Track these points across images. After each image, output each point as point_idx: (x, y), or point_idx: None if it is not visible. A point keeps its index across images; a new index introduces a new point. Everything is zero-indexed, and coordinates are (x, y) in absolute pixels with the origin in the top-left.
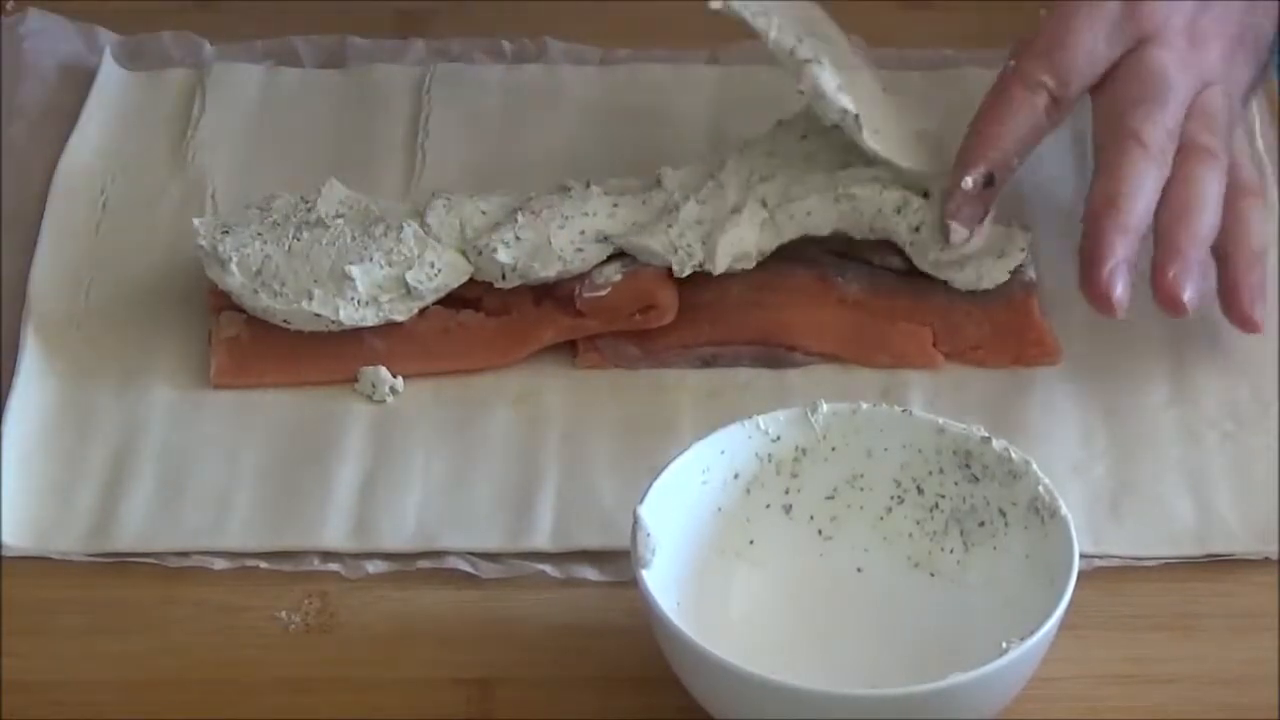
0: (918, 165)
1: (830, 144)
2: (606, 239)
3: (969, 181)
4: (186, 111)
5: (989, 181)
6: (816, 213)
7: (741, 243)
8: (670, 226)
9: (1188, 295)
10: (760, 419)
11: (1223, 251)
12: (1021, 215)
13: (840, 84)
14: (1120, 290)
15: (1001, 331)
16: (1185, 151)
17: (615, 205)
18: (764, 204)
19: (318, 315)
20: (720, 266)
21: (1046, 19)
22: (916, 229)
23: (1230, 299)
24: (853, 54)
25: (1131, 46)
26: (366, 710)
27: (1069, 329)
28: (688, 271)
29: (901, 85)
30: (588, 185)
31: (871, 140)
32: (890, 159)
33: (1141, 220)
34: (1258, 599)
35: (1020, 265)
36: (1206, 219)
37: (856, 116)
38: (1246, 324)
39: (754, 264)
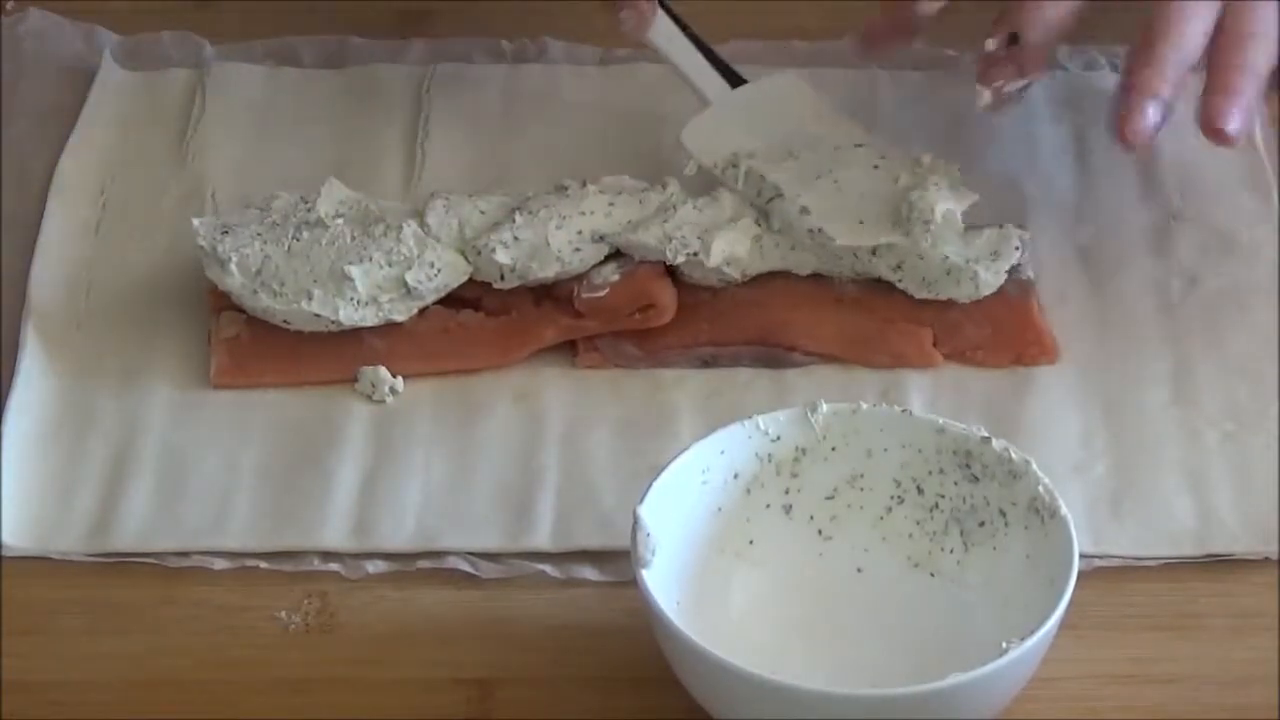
0: (887, 238)
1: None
2: (603, 238)
3: (990, 43)
4: (186, 111)
5: (1013, 40)
6: (799, 250)
7: (734, 247)
8: (666, 222)
9: (1231, 126)
10: (760, 419)
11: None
12: (1021, 215)
13: (804, 206)
14: (1147, 122)
15: (1001, 331)
16: None
17: (611, 204)
18: (757, 223)
19: (317, 315)
20: (714, 259)
21: None
22: (898, 266)
23: (1201, 106)
24: (832, 120)
25: None
26: (366, 710)
27: (1068, 329)
28: (681, 259)
29: (902, 85)
30: (584, 184)
31: (851, 238)
32: (862, 243)
33: (1183, 56)
34: (1258, 599)
35: (1019, 265)
36: (1260, 47)
37: (820, 229)
38: (1213, 135)
39: (740, 275)
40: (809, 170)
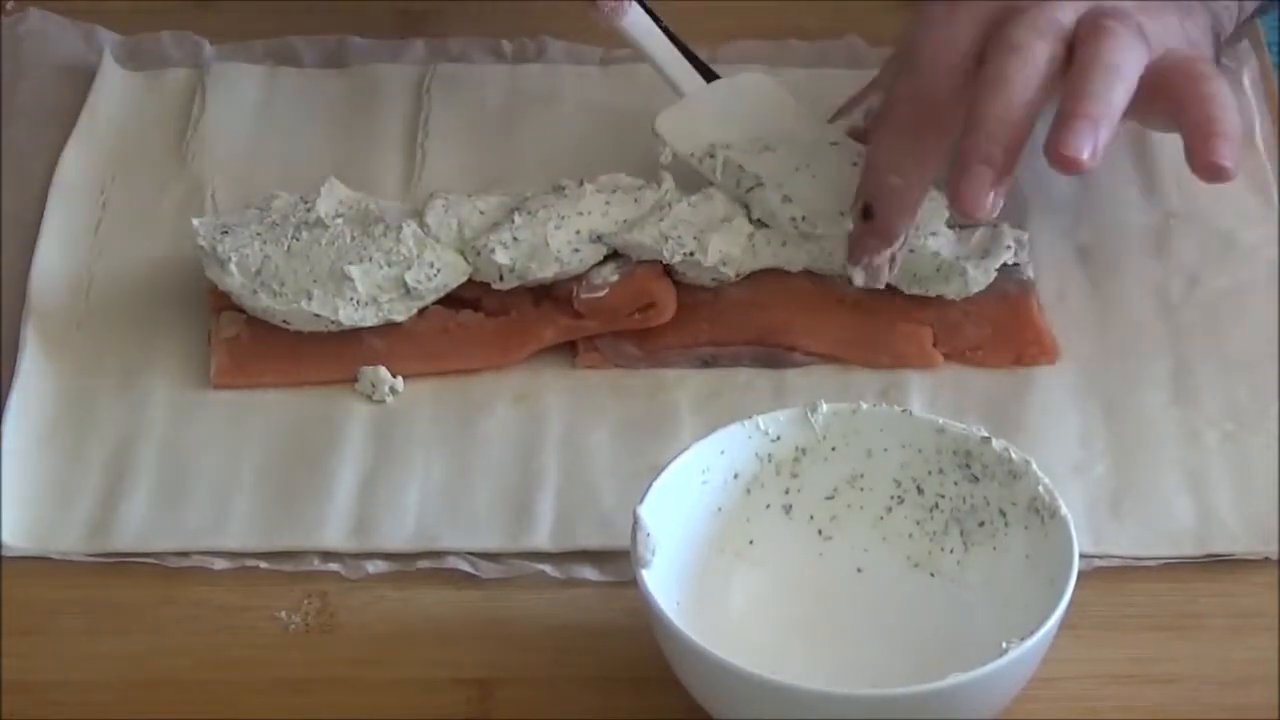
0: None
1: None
2: (600, 238)
3: (848, 223)
4: (186, 111)
5: (866, 214)
6: (790, 247)
7: (730, 246)
8: (662, 221)
9: (1075, 150)
10: (760, 419)
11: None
12: (1020, 215)
13: (786, 195)
14: (970, 188)
15: (1001, 331)
16: (1080, 37)
17: (608, 203)
18: (751, 220)
19: (317, 315)
20: (711, 259)
21: (903, 31)
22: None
23: (1052, 130)
24: (805, 117)
25: (991, 24)
26: (366, 710)
27: (1068, 329)
28: (678, 259)
29: None
30: (581, 184)
31: (833, 228)
32: (844, 232)
33: (1014, 116)
34: (1258, 599)
35: (1019, 265)
36: (1097, 78)
37: (803, 218)
38: (1056, 159)
39: (735, 274)
40: (787, 163)
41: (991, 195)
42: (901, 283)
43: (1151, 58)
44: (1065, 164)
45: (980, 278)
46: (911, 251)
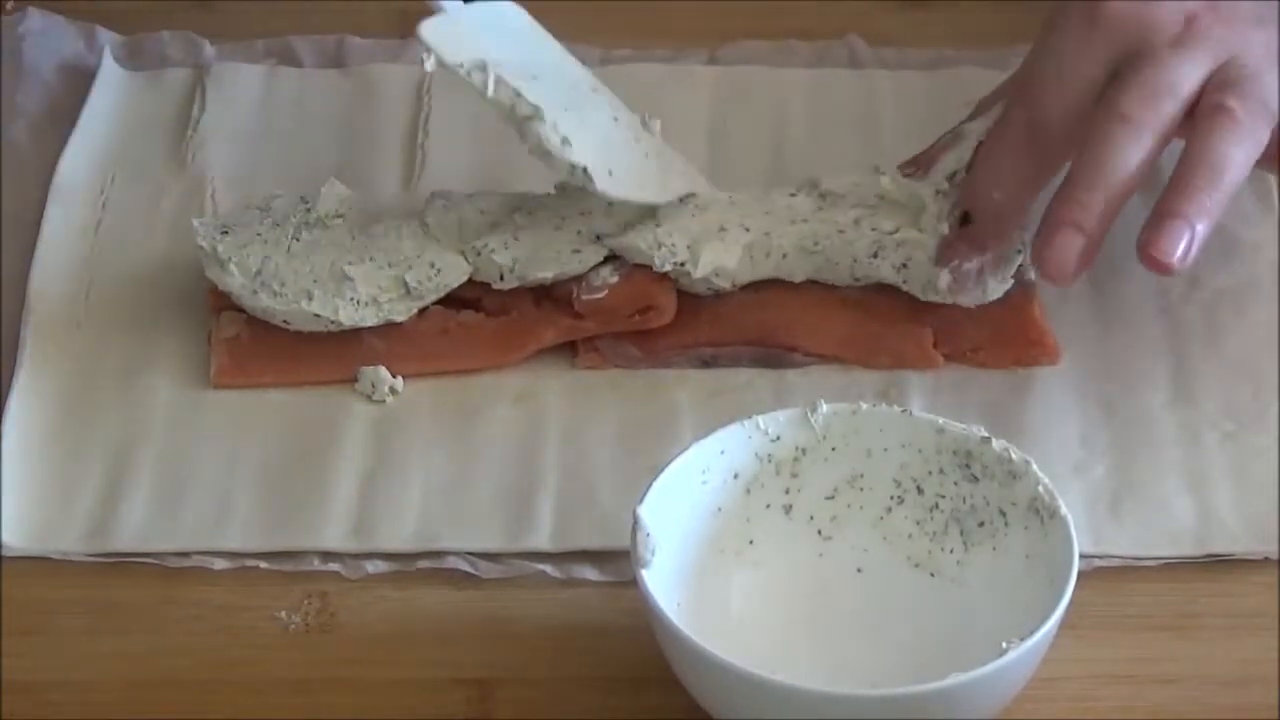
0: (660, 196)
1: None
2: (599, 239)
3: (943, 227)
4: (186, 111)
5: (964, 220)
6: (791, 257)
7: (723, 258)
8: (659, 225)
9: (1165, 254)
10: (760, 419)
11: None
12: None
13: (565, 136)
14: (1057, 253)
15: (1002, 332)
16: (1198, 115)
17: (610, 204)
18: (746, 230)
19: (317, 315)
20: (700, 270)
21: (1031, 50)
22: (904, 265)
23: (1147, 226)
24: (572, 64)
25: (1120, 61)
26: (366, 710)
27: (1068, 329)
28: (668, 268)
29: (902, 85)
30: (583, 185)
31: (607, 187)
32: (629, 199)
33: (1112, 189)
34: (1258, 599)
35: (1020, 267)
36: (1202, 175)
37: (585, 169)
38: (1146, 260)
39: (730, 285)
40: (556, 98)
41: (1077, 263)
42: (915, 289)
43: (1273, 125)
44: (1154, 266)
45: (997, 288)
46: (929, 259)
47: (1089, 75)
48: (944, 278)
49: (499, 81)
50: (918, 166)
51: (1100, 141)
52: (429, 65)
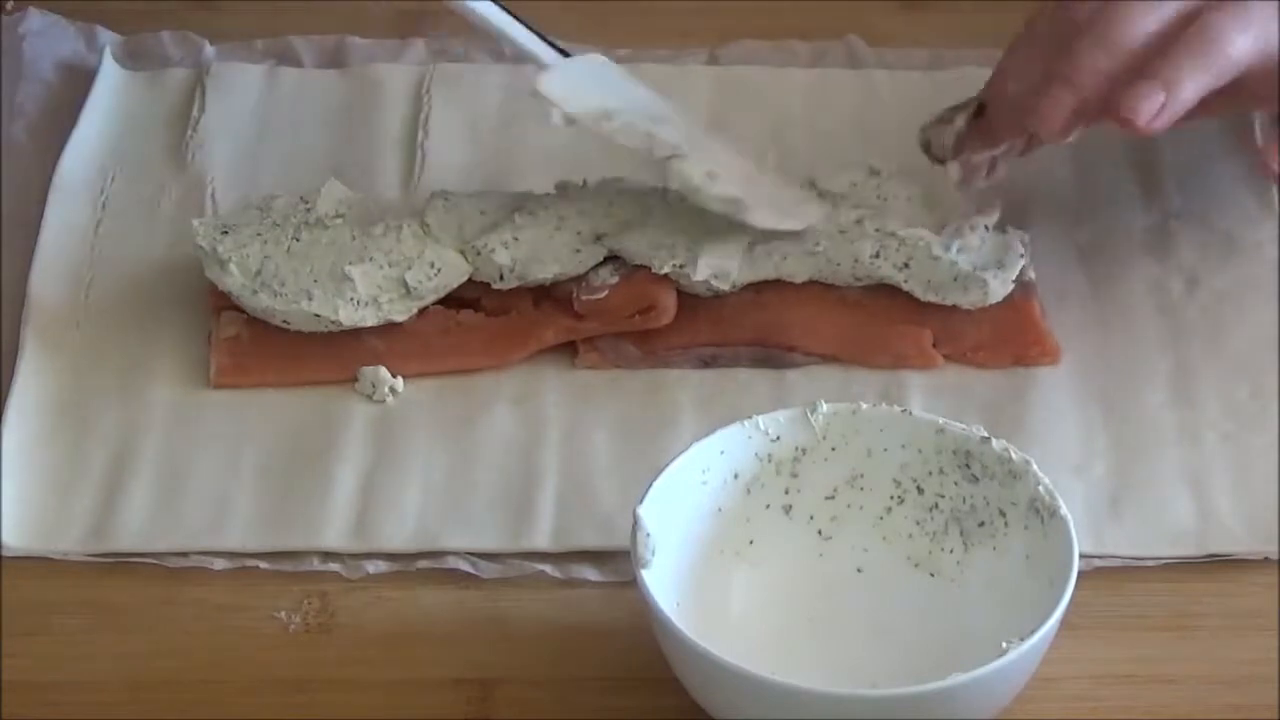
0: (803, 222)
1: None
2: (599, 239)
3: (959, 118)
4: (186, 111)
5: (979, 112)
6: (792, 259)
7: (723, 261)
8: (658, 228)
9: (1133, 110)
10: (760, 419)
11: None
12: (1021, 216)
13: (709, 171)
14: (1047, 104)
15: (1001, 332)
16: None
17: (610, 204)
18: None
19: (317, 315)
20: (699, 274)
21: None
22: (905, 264)
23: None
24: (674, 107)
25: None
26: (366, 710)
27: (1068, 329)
28: (667, 270)
29: (902, 85)
30: (583, 184)
31: (758, 218)
32: (779, 227)
33: (1113, 51)
34: (1258, 599)
35: (1021, 267)
36: (1195, 45)
37: (738, 200)
38: (1116, 118)
39: (730, 287)
40: (682, 137)
41: (1068, 117)
42: (916, 290)
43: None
44: (1122, 124)
45: (999, 289)
46: (935, 260)
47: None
48: (954, 169)
49: (630, 127)
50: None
51: (1112, 8)
52: (556, 119)
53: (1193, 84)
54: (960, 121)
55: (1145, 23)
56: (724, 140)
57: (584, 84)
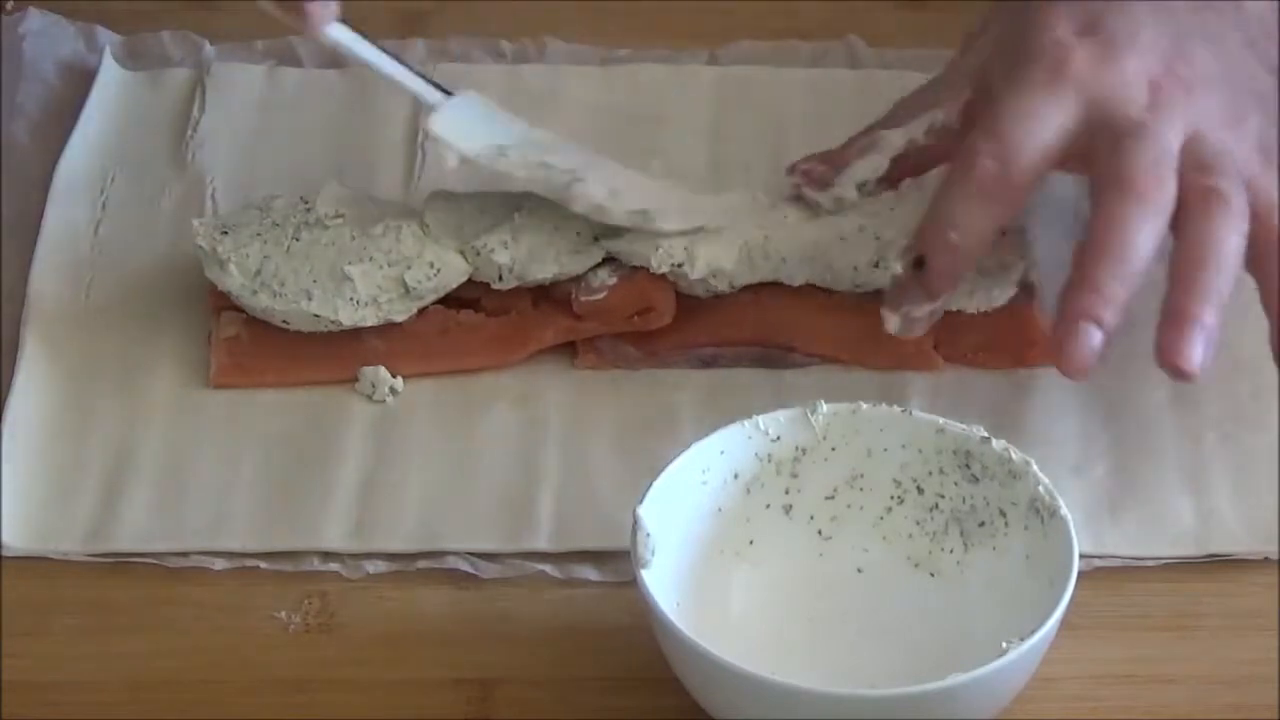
0: (712, 220)
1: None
2: (598, 240)
3: (897, 267)
4: (186, 111)
5: (918, 264)
6: (791, 263)
7: (720, 259)
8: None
9: (1189, 361)
10: (760, 419)
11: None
12: (1019, 216)
13: (611, 189)
14: (1085, 348)
15: (1002, 334)
16: (1189, 201)
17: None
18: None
19: (317, 315)
20: (698, 271)
21: (999, 92)
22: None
23: (1164, 330)
24: (557, 134)
25: (1093, 122)
26: (366, 710)
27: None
28: (665, 269)
29: (902, 85)
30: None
31: (669, 223)
32: (690, 227)
33: (1129, 271)
34: (1258, 599)
35: (1023, 271)
36: (1208, 269)
37: (646, 212)
38: (1169, 368)
39: (728, 286)
40: (575, 162)
41: (1094, 360)
42: None
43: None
44: (1176, 374)
45: (1002, 294)
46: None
47: (1063, 127)
48: (893, 321)
49: (525, 161)
50: (829, 164)
51: (1118, 224)
52: (452, 161)
53: (1221, 307)
54: (898, 268)
55: (1151, 232)
56: (612, 157)
57: (472, 122)
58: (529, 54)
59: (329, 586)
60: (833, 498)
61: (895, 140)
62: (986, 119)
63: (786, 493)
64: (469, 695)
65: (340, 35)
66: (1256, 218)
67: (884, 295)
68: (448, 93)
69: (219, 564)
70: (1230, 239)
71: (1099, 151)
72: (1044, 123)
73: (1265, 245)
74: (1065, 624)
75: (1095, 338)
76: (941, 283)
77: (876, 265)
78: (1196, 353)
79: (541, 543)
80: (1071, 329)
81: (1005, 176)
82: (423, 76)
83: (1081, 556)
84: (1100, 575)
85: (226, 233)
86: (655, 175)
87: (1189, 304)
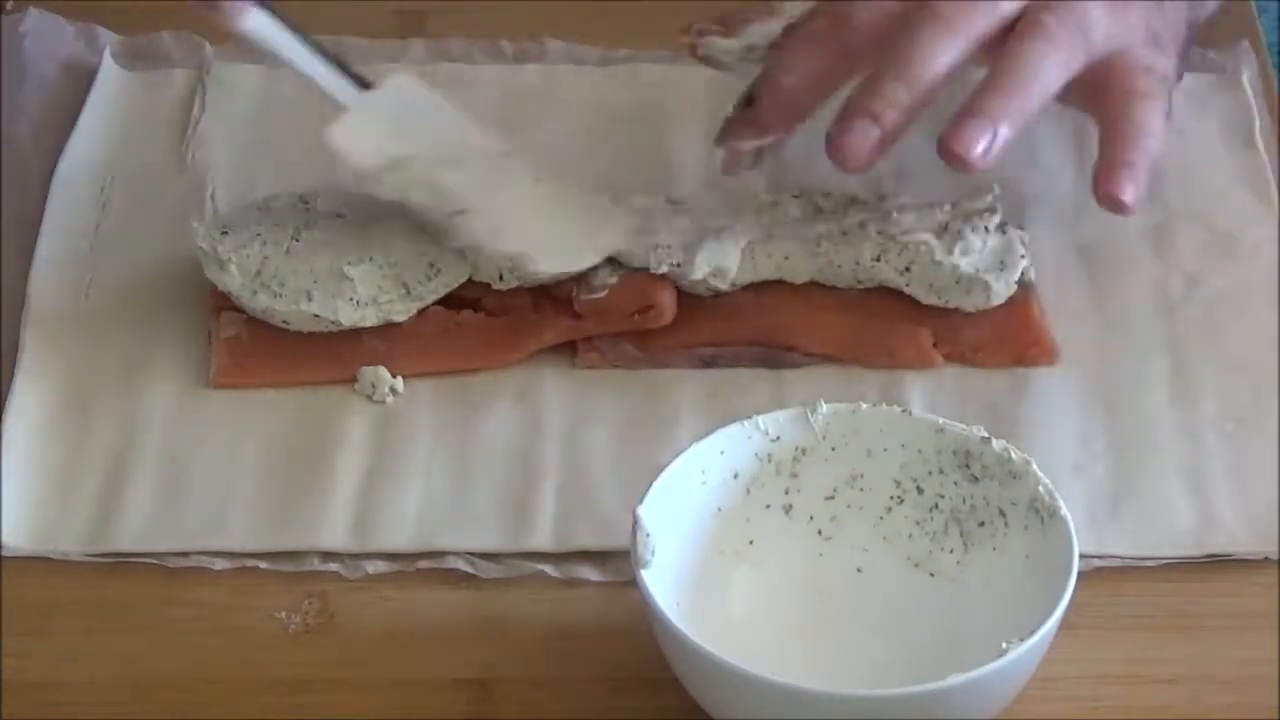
0: (593, 258)
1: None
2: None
3: (730, 108)
4: (186, 111)
5: (749, 102)
6: (794, 259)
7: (721, 260)
8: (656, 229)
9: (968, 150)
10: (760, 419)
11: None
12: (1019, 216)
13: (493, 226)
14: (851, 139)
15: (1001, 332)
16: (1016, 28)
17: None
18: (744, 232)
19: (317, 316)
20: (696, 273)
21: None
22: (907, 268)
23: (948, 122)
24: (464, 122)
25: None
26: (366, 710)
27: (1068, 329)
28: (664, 269)
29: None
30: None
31: (543, 265)
32: (565, 270)
33: (915, 84)
34: (1258, 599)
35: (1022, 269)
36: (1009, 78)
37: (520, 255)
38: (946, 155)
39: (729, 286)
40: (475, 179)
41: (870, 154)
42: (918, 293)
43: (1092, 58)
44: (953, 160)
45: (1002, 291)
46: (938, 264)
47: None
48: (719, 155)
49: (415, 184)
50: (725, 28)
51: (909, 38)
52: (347, 175)
53: (1015, 119)
54: (729, 108)
55: (944, 51)
56: (525, 162)
57: (378, 129)
58: (529, 54)
59: (329, 586)
60: (833, 498)
61: (792, 8)
62: None
63: (786, 493)
64: (469, 695)
65: (260, 29)
66: (1113, 67)
67: (718, 131)
68: (368, 85)
69: (219, 564)
70: (1039, 62)
71: None
72: None
73: (1105, 88)
74: (1065, 624)
75: (872, 132)
76: (770, 116)
77: (878, 259)
78: (977, 142)
79: (541, 543)
80: (849, 124)
81: (843, 25)
82: (344, 68)
83: (1081, 556)
84: (1100, 575)
85: (226, 233)
86: (570, 185)
87: (980, 102)
